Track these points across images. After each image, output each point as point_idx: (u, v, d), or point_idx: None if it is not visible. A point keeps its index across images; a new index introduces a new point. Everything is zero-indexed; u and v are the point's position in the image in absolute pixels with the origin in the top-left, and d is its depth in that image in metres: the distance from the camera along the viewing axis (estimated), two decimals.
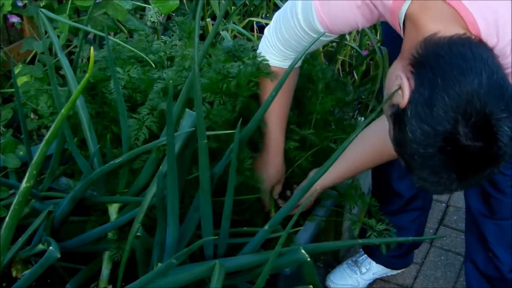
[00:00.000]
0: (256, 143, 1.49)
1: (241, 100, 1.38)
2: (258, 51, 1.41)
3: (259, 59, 1.39)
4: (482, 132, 0.94)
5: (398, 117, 1.02)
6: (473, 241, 1.68)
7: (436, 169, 0.99)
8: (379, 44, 1.78)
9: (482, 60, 0.96)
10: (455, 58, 0.96)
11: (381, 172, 1.78)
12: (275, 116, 1.44)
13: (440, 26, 1.01)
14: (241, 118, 1.18)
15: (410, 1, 1.06)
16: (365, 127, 1.34)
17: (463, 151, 0.95)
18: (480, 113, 0.94)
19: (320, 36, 1.21)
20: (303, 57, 1.43)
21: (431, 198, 1.89)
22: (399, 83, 1.02)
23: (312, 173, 1.50)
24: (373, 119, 1.47)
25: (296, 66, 1.41)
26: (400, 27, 1.13)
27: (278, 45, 1.35)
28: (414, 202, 1.81)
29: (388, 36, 1.66)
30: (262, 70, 1.38)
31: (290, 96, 1.45)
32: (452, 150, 0.96)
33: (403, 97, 1.00)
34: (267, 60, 1.39)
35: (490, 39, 1.03)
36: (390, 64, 1.65)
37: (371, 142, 1.41)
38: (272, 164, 1.49)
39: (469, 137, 0.94)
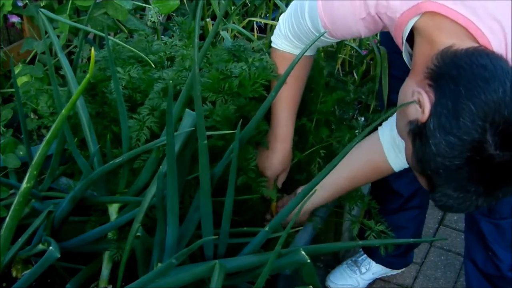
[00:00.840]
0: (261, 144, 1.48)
1: (243, 101, 1.38)
2: (272, 37, 1.40)
3: (265, 61, 1.39)
4: (511, 141, 0.93)
5: (419, 133, 0.99)
6: (472, 239, 1.68)
7: (462, 183, 0.96)
8: (378, 44, 1.78)
9: (503, 69, 0.95)
10: (476, 68, 0.95)
11: None
12: (285, 101, 1.40)
13: (454, 40, 1.01)
14: (241, 119, 1.18)
15: (418, 17, 1.05)
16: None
17: (492, 160, 0.93)
18: (508, 121, 0.92)
19: (320, 36, 1.21)
20: (315, 48, 1.42)
21: (428, 197, 1.89)
22: (417, 98, 1.01)
23: (300, 190, 1.46)
24: (370, 123, 1.47)
25: (310, 54, 1.40)
26: (402, 41, 1.13)
27: (289, 36, 1.34)
28: (412, 200, 1.81)
29: (386, 36, 1.66)
30: (269, 71, 1.38)
31: (301, 83, 1.42)
32: (481, 160, 0.93)
33: (424, 111, 0.99)
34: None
35: (501, 52, 1.02)
36: (389, 63, 1.66)
37: (365, 159, 1.41)
38: (280, 150, 1.45)
39: (497, 146, 0.92)
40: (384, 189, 1.79)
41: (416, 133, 1.01)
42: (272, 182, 1.49)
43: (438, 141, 0.95)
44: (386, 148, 1.37)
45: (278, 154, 1.45)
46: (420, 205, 1.85)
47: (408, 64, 1.18)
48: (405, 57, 1.18)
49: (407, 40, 1.12)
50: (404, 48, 1.15)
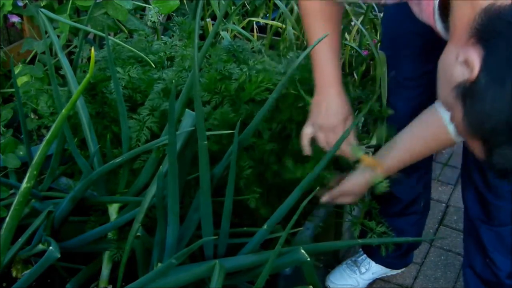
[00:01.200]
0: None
1: (245, 108, 1.36)
2: None
3: (268, 64, 1.38)
4: None
5: (469, 93, 0.95)
6: (471, 245, 1.67)
7: None
8: (379, 44, 1.78)
9: None
10: None
11: None
12: (325, 44, 1.29)
13: None
14: (239, 120, 1.17)
15: None
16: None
17: None
18: None
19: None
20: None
21: (429, 202, 1.89)
22: (463, 58, 0.96)
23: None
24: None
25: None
26: (434, 11, 1.09)
27: None
28: (413, 206, 1.81)
29: (389, 40, 1.65)
30: (273, 74, 1.37)
31: (337, 26, 1.35)
32: None
33: (473, 69, 0.94)
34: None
35: None
36: (388, 68, 1.65)
37: (426, 132, 1.39)
38: (336, 95, 1.36)
39: None
40: (385, 194, 1.78)
41: (466, 94, 0.96)
42: (341, 133, 1.36)
43: (492, 96, 0.91)
44: (446, 119, 1.33)
45: (336, 100, 1.36)
46: (421, 210, 1.85)
47: (443, 35, 1.15)
48: (438, 25, 1.14)
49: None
50: (436, 15, 1.11)
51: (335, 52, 1.36)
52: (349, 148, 1.40)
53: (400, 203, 1.79)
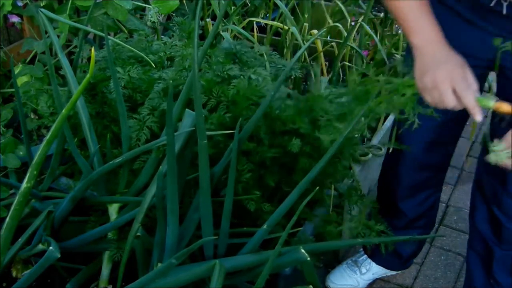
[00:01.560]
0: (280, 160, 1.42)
1: (244, 115, 1.34)
2: None
3: (263, 77, 1.37)
4: None
5: None
6: (475, 262, 1.67)
7: None
8: (382, 44, 1.78)
9: None
10: None
11: (387, 187, 1.78)
12: (418, 7, 1.22)
13: None
14: (238, 122, 1.17)
15: None
16: None
17: None
18: None
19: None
20: None
21: (434, 220, 1.89)
22: None
23: None
24: None
25: None
26: None
27: None
28: (417, 222, 1.80)
29: None
30: (257, 87, 1.36)
31: None
32: None
33: None
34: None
35: None
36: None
37: None
38: (438, 47, 1.22)
39: None
40: (390, 206, 1.78)
41: None
42: (465, 87, 1.17)
43: None
44: None
45: (436, 56, 1.21)
46: (425, 226, 1.85)
47: None
48: None
49: None
50: None
51: (428, 11, 1.23)
52: (475, 100, 1.15)
53: (405, 217, 1.79)
